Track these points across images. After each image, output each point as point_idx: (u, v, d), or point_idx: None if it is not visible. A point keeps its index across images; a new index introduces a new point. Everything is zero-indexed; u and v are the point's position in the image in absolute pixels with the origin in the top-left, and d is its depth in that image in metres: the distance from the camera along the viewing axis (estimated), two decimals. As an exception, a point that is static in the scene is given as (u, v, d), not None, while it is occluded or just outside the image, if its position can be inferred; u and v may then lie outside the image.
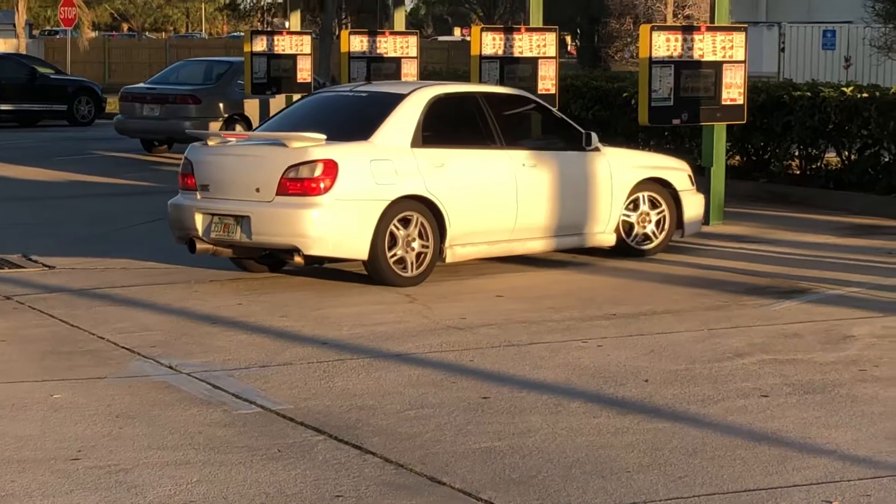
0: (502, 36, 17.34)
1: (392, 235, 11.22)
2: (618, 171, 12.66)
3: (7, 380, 8.30)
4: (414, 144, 11.50)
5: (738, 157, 18.67)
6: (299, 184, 10.97)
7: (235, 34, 79.57)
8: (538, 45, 17.42)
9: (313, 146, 11.07)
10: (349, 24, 65.39)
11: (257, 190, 11.15)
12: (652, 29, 14.49)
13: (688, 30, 14.86)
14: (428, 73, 24.22)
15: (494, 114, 12.23)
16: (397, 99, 11.80)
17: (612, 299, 10.91)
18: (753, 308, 10.55)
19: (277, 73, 22.79)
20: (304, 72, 22.91)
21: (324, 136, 11.13)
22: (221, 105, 24.27)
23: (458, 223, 11.57)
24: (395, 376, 8.39)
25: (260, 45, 22.75)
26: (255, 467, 6.60)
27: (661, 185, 12.95)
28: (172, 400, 7.83)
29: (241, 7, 67.68)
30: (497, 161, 11.99)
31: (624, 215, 12.67)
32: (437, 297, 11.01)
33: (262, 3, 67.12)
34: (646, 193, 12.81)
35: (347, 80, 20.04)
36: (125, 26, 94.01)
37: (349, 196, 11.02)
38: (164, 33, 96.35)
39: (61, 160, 23.26)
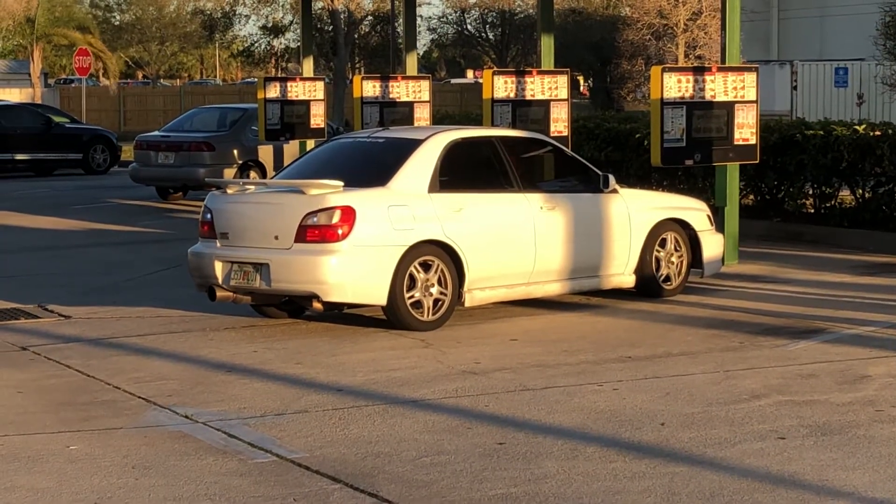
0: (514, 79, 17.40)
1: (411, 280, 11.24)
2: (636, 212, 12.73)
3: (23, 431, 8.31)
4: (431, 189, 11.54)
5: (751, 197, 18.68)
6: (317, 231, 11.03)
7: (249, 80, 79.96)
8: (550, 87, 17.47)
9: (331, 193, 11.12)
10: (362, 69, 65.68)
11: (276, 237, 11.21)
12: (663, 70, 14.54)
13: (699, 70, 14.90)
14: (441, 117, 24.30)
15: (511, 157, 12.30)
16: (414, 144, 11.84)
17: (626, 342, 10.90)
18: (769, 349, 10.53)
19: (291, 119, 22.90)
20: (318, 117, 23.02)
21: (341, 183, 11.16)
22: (236, 152, 24.36)
23: (477, 267, 11.60)
24: (411, 423, 8.39)
25: (273, 91, 22.87)
26: (271, 517, 6.59)
27: (679, 226, 13.03)
28: (188, 450, 7.83)
29: (255, 53, 68.04)
30: (515, 205, 12.01)
31: (656, 251, 12.77)
32: (452, 341, 11.01)
33: (276, 49, 67.46)
34: (672, 233, 12.88)
35: (360, 125, 20.12)
36: (140, 74, 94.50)
37: (367, 242, 11.07)
38: (178, 80, 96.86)
39: (77, 209, 23.36)
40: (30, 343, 11.18)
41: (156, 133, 26.67)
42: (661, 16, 54.39)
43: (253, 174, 23.98)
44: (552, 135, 17.35)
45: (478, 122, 21.04)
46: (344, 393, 9.22)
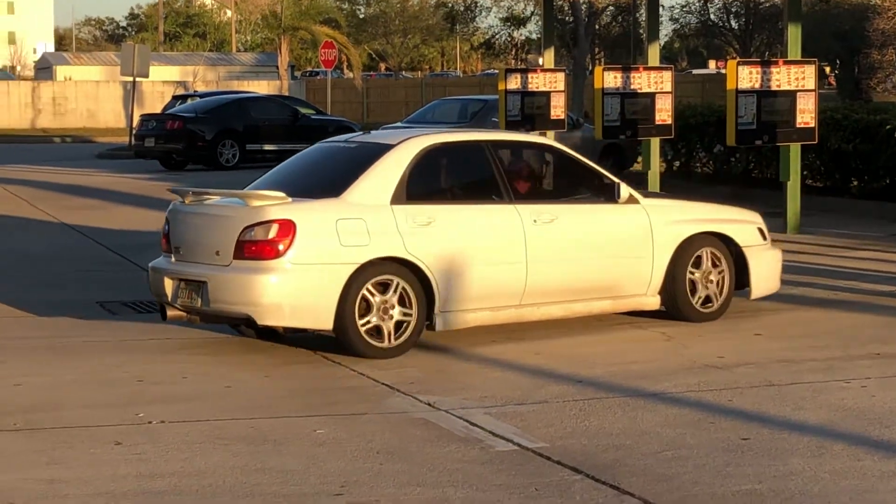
0: (759, 69, 17.09)
1: (365, 302, 10.07)
2: (660, 225, 11.23)
3: (271, 414, 8.53)
4: (395, 201, 10.30)
5: None
6: (254, 246, 9.97)
7: (489, 72, 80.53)
8: (796, 77, 17.11)
9: (272, 205, 10.06)
10: (602, 60, 65.46)
11: (217, 253, 10.21)
12: (916, 59, 14.07)
13: (954, 59, 14.37)
14: (682, 108, 24.03)
15: (504, 164, 11.02)
16: (383, 150, 10.64)
17: (876, 338, 10.60)
18: None
19: (531, 111, 22.91)
20: (558, 108, 22.98)
21: (282, 194, 10.15)
22: (476, 143, 24.50)
23: (449, 287, 10.35)
24: (652, 416, 8.32)
25: (514, 82, 22.92)
26: (512, 506, 6.63)
27: (721, 241, 11.52)
28: (431, 437, 7.92)
29: (496, 45, 68.48)
30: (501, 217, 10.70)
31: (689, 272, 11.30)
32: (694, 335, 10.88)
33: (517, 40, 67.80)
34: (708, 250, 11.41)
35: (601, 116, 20.05)
36: (382, 66, 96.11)
37: (309, 260, 9.96)
38: (419, 72, 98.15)
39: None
40: (277, 329, 11.43)
41: (398, 124, 27.04)
42: (913, 3, 52.74)
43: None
44: (798, 126, 17.03)
45: (721, 113, 20.74)
46: (584, 385, 9.21)
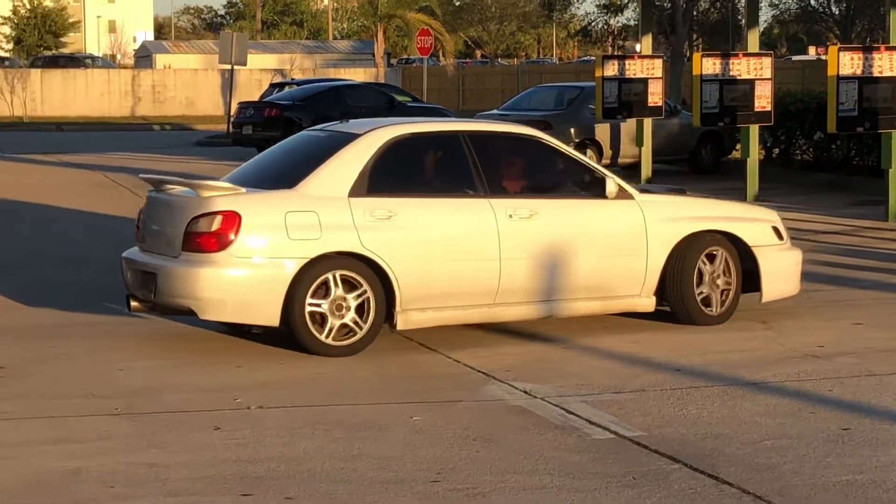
0: (861, 55, 16.89)
1: (317, 298, 9.74)
2: (655, 222, 10.60)
3: (368, 401, 8.58)
4: (354, 193, 9.91)
5: None
6: (199, 238, 9.72)
7: (586, 59, 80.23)
8: (899, 63, 16.86)
9: (219, 196, 9.84)
10: (700, 47, 64.91)
11: (169, 244, 10.02)
12: None
13: None
14: (782, 94, 23.79)
15: (479, 156, 10.40)
16: (347, 140, 10.27)
17: (980, 328, 10.43)
18: None
19: (628, 98, 22.83)
20: (655, 95, 22.89)
21: (228, 184, 10.06)
22: (573, 130, 24.45)
23: (412, 285, 9.93)
24: (751, 405, 8.26)
25: (611, 69, 22.86)
26: (610, 494, 6.61)
27: (728, 240, 10.81)
28: (527, 424, 7.92)
29: (593, 32, 68.21)
30: (472, 211, 10.20)
31: (699, 268, 10.67)
32: (793, 324, 10.77)
33: (613, 27, 67.47)
34: (713, 249, 10.75)
35: (699, 103, 19.91)
36: (478, 53, 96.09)
37: (254, 254, 9.69)
38: (515, 59, 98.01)
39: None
40: (374, 315, 11.46)
41: (494, 111, 27.02)
42: None
43: (589, 153, 23.99)
44: (900, 112, 16.79)
45: (822, 99, 20.50)
46: (682, 373, 9.15)
